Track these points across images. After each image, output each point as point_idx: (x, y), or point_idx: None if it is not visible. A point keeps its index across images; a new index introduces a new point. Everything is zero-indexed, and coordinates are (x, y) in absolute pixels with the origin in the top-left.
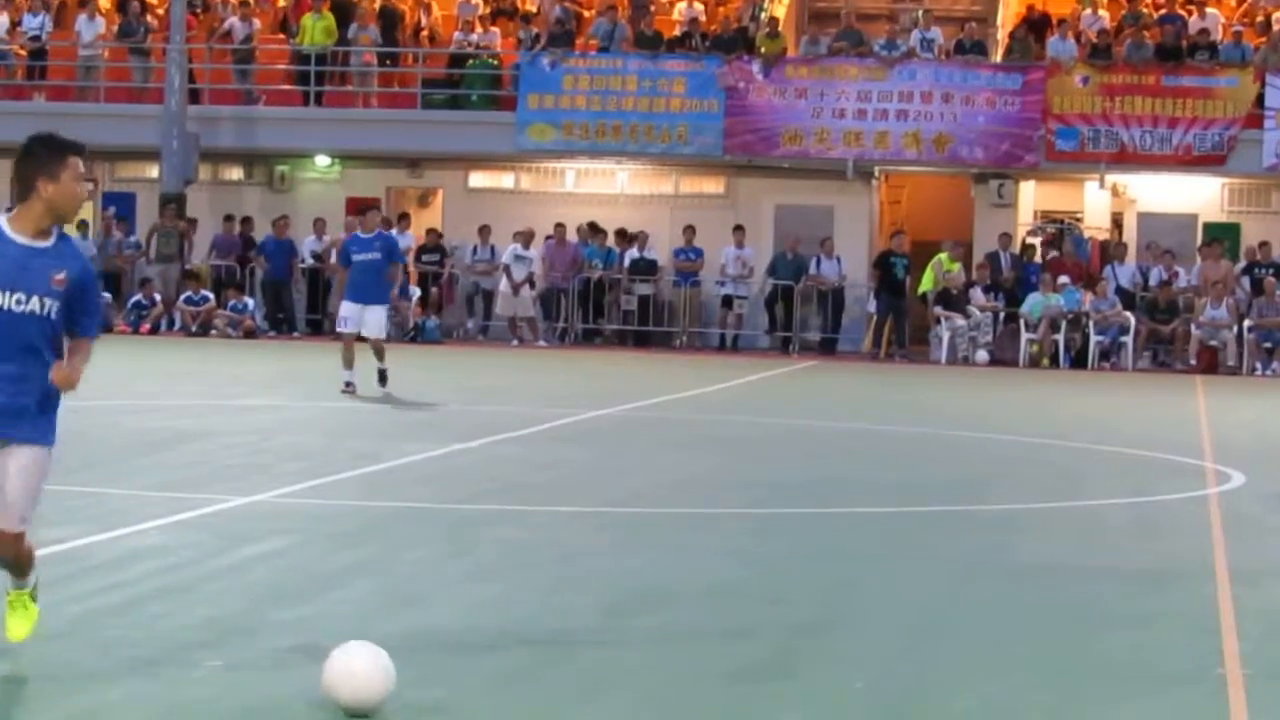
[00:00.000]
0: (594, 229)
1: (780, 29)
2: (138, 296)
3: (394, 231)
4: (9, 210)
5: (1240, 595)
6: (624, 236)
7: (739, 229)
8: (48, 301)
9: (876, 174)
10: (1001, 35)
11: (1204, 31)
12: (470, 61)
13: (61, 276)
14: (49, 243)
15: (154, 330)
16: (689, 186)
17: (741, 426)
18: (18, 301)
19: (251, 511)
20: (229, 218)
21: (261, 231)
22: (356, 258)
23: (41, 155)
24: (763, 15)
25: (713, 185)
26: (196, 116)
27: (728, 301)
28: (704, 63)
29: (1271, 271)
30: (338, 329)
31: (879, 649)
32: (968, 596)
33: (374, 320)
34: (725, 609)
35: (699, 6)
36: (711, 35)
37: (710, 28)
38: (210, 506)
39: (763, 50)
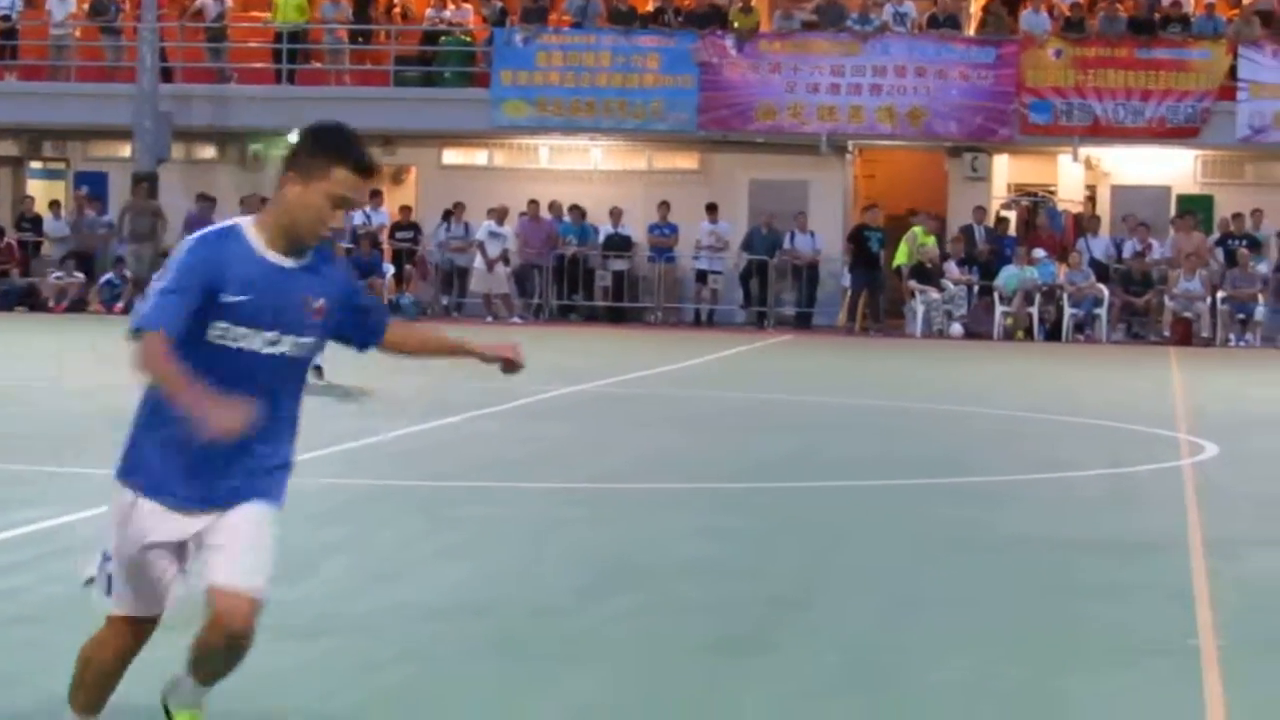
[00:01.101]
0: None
1: (754, 4)
2: (110, 275)
3: (369, 209)
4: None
5: (1215, 566)
6: (578, 211)
7: (712, 207)
8: (304, 342)
9: (851, 148)
10: (975, 9)
11: (1176, 4)
12: (443, 38)
13: (320, 305)
14: (304, 260)
15: (127, 309)
16: (663, 162)
17: (716, 402)
18: (270, 343)
19: None
20: (201, 196)
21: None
22: None
23: (306, 148)
24: None
25: (687, 161)
26: (169, 95)
27: (702, 277)
28: (677, 38)
29: (1245, 243)
30: None
31: (856, 622)
32: (945, 569)
33: None
34: (702, 584)
35: None
36: (685, 10)
37: (684, 3)
38: None
39: (736, 25)
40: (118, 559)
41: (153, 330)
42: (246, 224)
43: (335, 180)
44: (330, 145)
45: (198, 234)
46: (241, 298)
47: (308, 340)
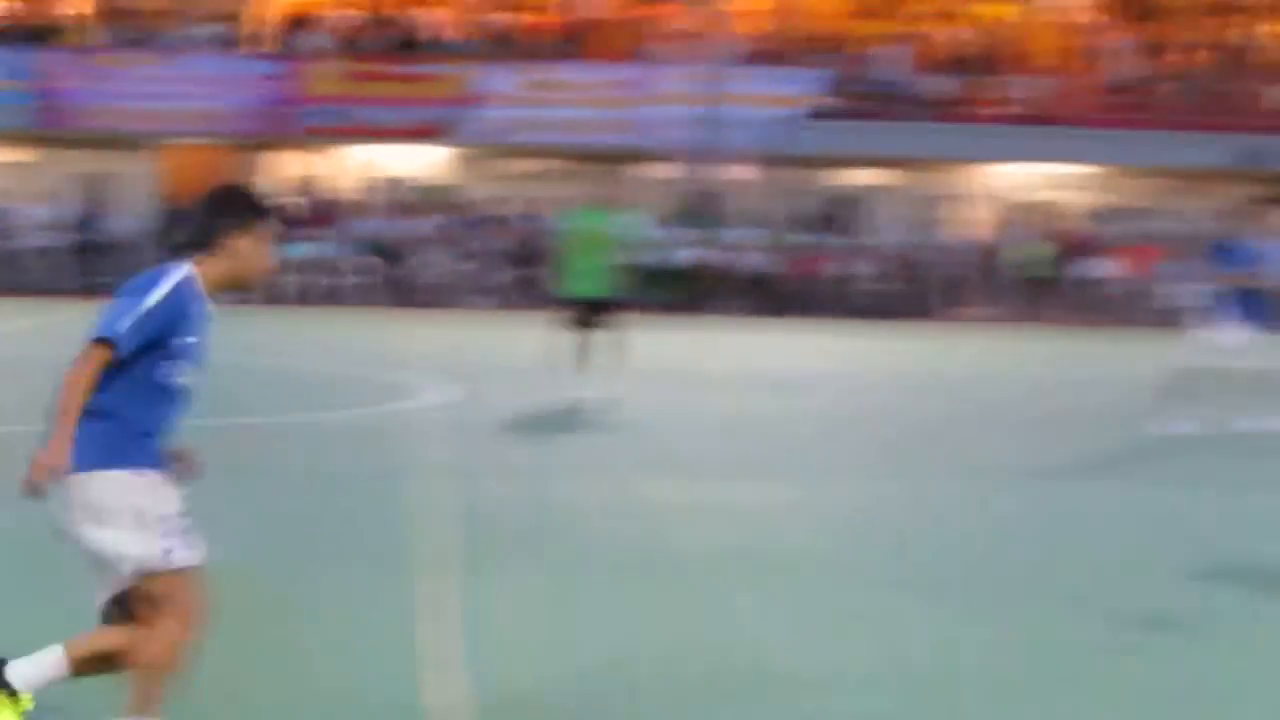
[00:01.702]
0: None
1: (87, 23)
2: None
3: None
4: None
5: (444, 490)
6: None
7: (50, 196)
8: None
9: (161, 145)
10: (265, 28)
11: (434, 26)
12: None
13: None
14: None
15: None
16: (5, 156)
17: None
18: (188, 377)
19: None
20: None
21: None
22: None
23: (242, 208)
24: (71, 12)
25: (24, 155)
26: None
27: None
28: (20, 48)
29: (487, 223)
30: None
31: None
32: (230, 499)
33: None
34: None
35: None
36: (28, 26)
37: (28, 20)
38: None
39: (71, 40)
40: (172, 520)
41: (108, 342)
42: (195, 272)
43: (270, 228)
44: (257, 202)
45: (178, 278)
46: (196, 339)
47: None
